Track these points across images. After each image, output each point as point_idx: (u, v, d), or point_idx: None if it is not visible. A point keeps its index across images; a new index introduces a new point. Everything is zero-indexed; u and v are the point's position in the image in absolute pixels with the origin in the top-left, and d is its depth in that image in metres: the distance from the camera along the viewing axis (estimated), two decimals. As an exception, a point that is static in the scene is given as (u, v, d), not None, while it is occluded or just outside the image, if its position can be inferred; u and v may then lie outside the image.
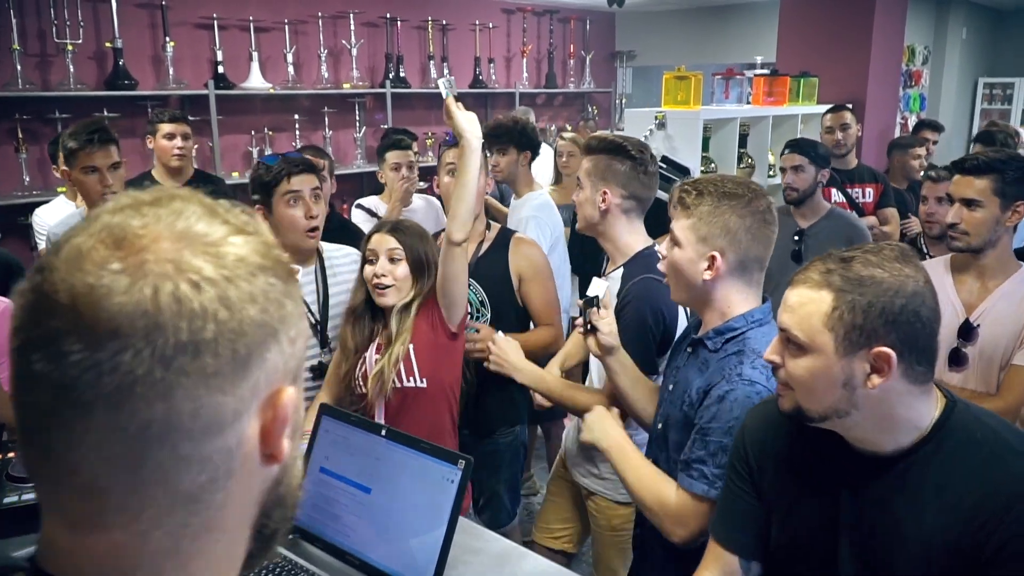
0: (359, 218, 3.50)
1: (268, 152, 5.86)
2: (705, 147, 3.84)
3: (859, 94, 5.05)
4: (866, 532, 1.23)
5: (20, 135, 4.84)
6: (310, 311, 2.33)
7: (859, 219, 3.52)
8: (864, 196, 4.11)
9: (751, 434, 1.41)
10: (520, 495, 3.32)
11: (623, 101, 8.68)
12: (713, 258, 1.57)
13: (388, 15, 6.60)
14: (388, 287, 2.09)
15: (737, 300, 1.61)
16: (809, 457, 1.32)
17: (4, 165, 4.91)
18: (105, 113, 5.21)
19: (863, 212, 4.07)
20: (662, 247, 1.69)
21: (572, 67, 8.26)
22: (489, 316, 2.60)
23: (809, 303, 1.19)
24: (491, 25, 7.43)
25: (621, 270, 2.09)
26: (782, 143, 3.51)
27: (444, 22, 7.03)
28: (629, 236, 2.11)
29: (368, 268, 2.13)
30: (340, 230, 3.00)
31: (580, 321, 1.83)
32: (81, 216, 2.74)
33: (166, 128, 3.68)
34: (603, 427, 1.75)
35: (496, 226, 2.68)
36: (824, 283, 1.18)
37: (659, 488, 1.60)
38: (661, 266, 1.69)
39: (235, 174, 5.74)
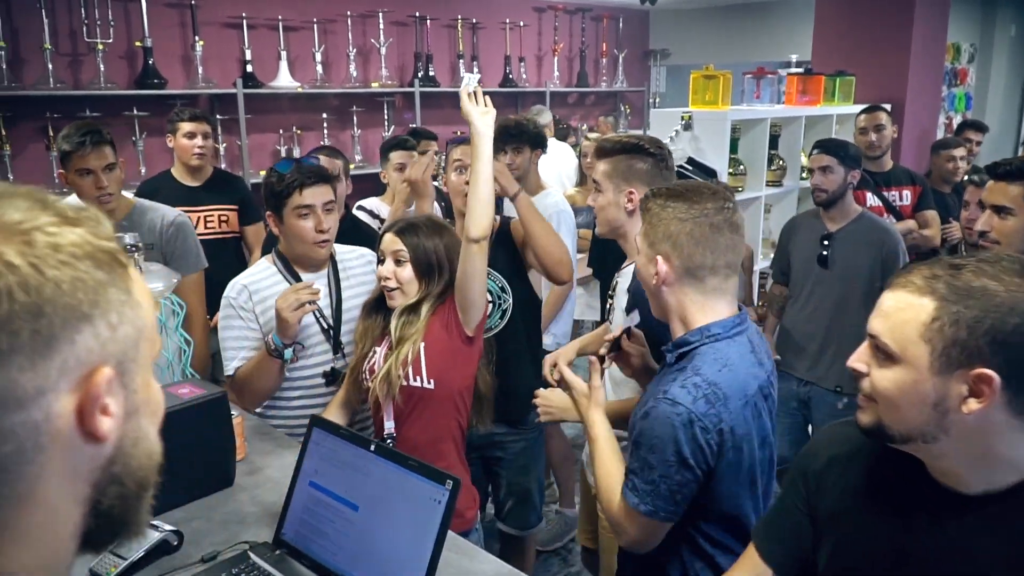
0: (361, 218, 3.43)
1: (296, 152, 5.85)
2: (734, 149, 3.73)
3: (898, 94, 4.89)
4: (940, 573, 1.12)
5: (51, 133, 4.88)
6: (322, 316, 2.27)
7: (891, 224, 3.38)
8: (901, 199, 3.96)
9: (816, 452, 1.31)
10: (545, 494, 3.27)
11: (656, 100, 8.55)
12: (658, 263, 1.53)
13: (417, 14, 6.56)
14: (393, 290, 2.05)
15: (693, 310, 1.54)
16: (881, 482, 1.20)
17: (35, 163, 4.95)
18: (135, 112, 5.25)
19: (901, 216, 3.92)
20: None
21: (604, 66, 8.15)
22: (511, 301, 2.57)
23: (906, 309, 1.06)
24: (522, 23, 7.35)
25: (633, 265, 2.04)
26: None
27: (474, 20, 6.97)
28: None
29: (379, 268, 2.10)
30: (353, 231, 2.95)
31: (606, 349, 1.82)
32: None
33: (186, 127, 3.66)
34: (592, 417, 1.72)
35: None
36: (927, 289, 1.04)
37: (613, 490, 1.58)
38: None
39: (262, 173, 5.72)
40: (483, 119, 2.01)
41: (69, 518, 0.61)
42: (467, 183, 2.14)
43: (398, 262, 2.05)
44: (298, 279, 2.26)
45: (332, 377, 2.25)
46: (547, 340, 3.37)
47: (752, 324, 1.62)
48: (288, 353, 2.10)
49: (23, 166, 4.90)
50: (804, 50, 5.62)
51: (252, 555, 1.55)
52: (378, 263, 2.12)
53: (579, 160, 4.46)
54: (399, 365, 1.98)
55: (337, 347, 2.28)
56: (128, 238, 2.07)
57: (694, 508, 1.52)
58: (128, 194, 3.41)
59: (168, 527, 1.61)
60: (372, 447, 1.48)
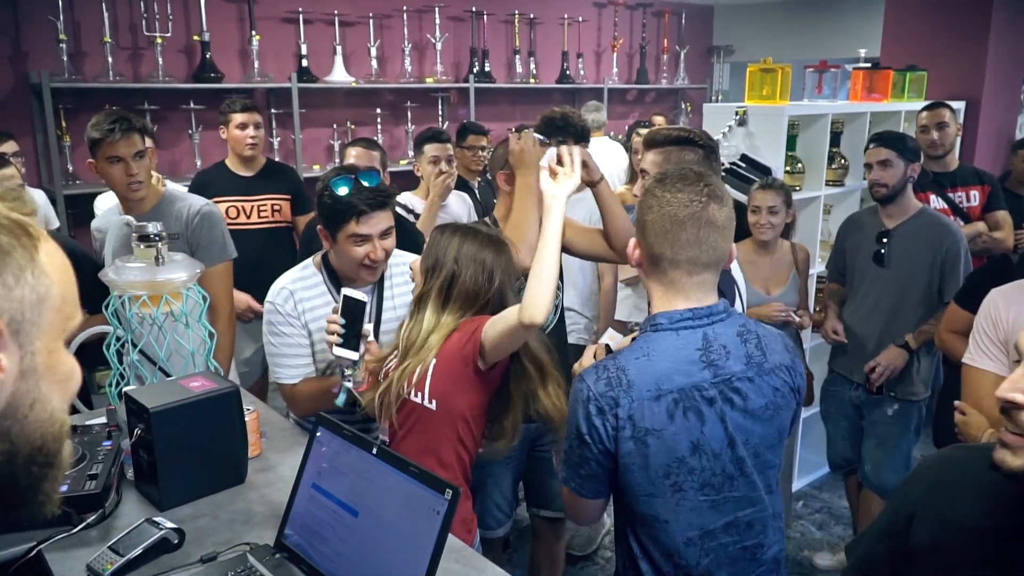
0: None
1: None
2: (791, 146, 3.55)
3: (974, 90, 4.62)
4: None
5: (109, 126, 4.95)
6: None
7: (952, 221, 3.17)
8: (969, 200, 3.72)
9: (921, 480, 1.17)
10: None
11: (719, 98, 8.32)
12: (635, 245, 1.56)
13: (474, 9, 6.51)
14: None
15: (657, 296, 1.54)
16: (983, 520, 1.06)
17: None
18: (191, 105, 5.31)
19: (969, 218, 3.69)
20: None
21: (665, 62, 7.97)
22: (562, 295, 2.57)
23: None
24: (581, 19, 7.23)
25: None
26: (882, 143, 3.19)
27: (532, 16, 6.88)
28: None
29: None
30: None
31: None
32: (118, 209, 2.72)
33: (238, 118, 3.68)
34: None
35: None
36: None
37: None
38: None
39: (316, 167, 5.76)
40: (560, 186, 1.84)
41: None
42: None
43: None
44: (339, 287, 2.13)
45: (354, 402, 2.10)
46: (584, 336, 3.28)
47: (731, 322, 1.53)
48: (342, 400, 2.01)
49: (82, 157, 4.99)
50: (873, 45, 5.37)
51: (251, 558, 1.49)
52: None
53: (630, 157, 4.33)
54: (403, 380, 1.85)
55: None
56: (151, 227, 2.04)
57: (618, 502, 1.58)
58: (179, 186, 3.45)
59: (169, 524, 1.56)
60: (374, 450, 1.40)
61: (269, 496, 1.75)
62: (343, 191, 2.02)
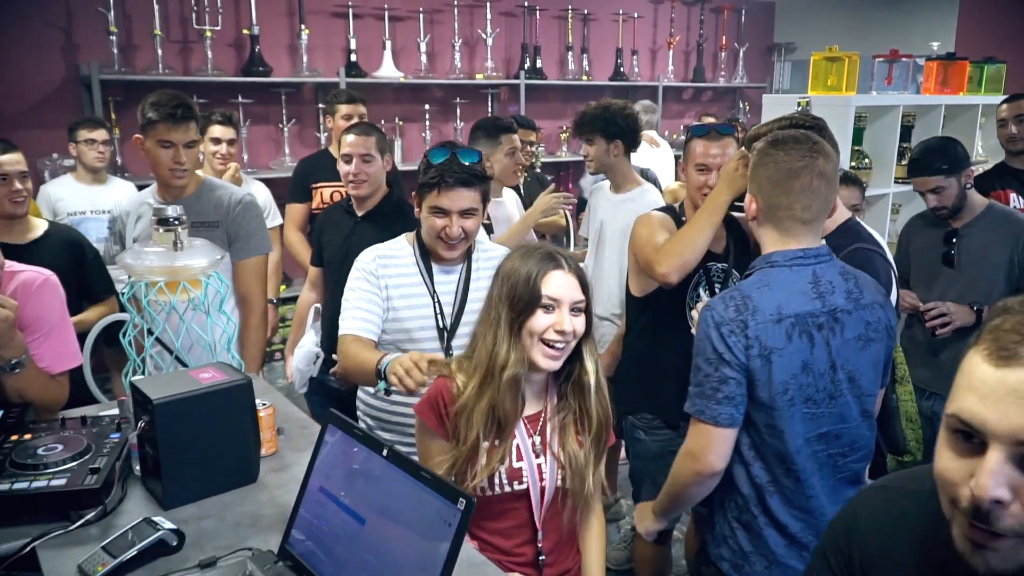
0: None
1: (397, 145, 5.75)
2: (858, 139, 3.33)
3: (1056, 84, 4.32)
4: None
5: (157, 119, 4.94)
6: (441, 314, 2.13)
7: (1022, 214, 2.92)
8: None
9: (863, 534, 1.03)
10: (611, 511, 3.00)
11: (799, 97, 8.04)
12: (751, 199, 1.77)
13: (526, 4, 6.37)
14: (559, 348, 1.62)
15: (771, 242, 1.75)
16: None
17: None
18: (240, 99, 5.28)
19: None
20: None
21: (723, 60, 7.72)
22: None
23: None
24: (636, 15, 7.04)
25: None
26: (957, 137, 2.95)
27: (585, 11, 6.71)
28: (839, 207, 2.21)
29: (544, 318, 1.60)
30: (396, 213, 2.78)
31: None
32: (152, 194, 2.64)
33: (344, 109, 3.88)
34: (643, 516, 2.01)
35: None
36: None
37: (674, 466, 1.80)
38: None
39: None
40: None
41: None
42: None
43: (573, 310, 1.62)
44: (429, 267, 2.17)
45: None
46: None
47: (834, 263, 1.77)
48: (382, 386, 1.92)
49: (131, 149, 4.99)
50: (947, 39, 5.08)
51: (251, 564, 1.35)
52: (531, 308, 1.60)
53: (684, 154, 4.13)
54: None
55: (448, 352, 2.13)
56: (170, 210, 1.93)
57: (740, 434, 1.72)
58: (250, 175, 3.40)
59: (168, 525, 1.44)
60: (384, 452, 1.26)
61: (280, 498, 1.63)
62: (437, 160, 2.06)
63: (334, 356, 2.40)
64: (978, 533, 0.79)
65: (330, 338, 2.57)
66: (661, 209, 2.47)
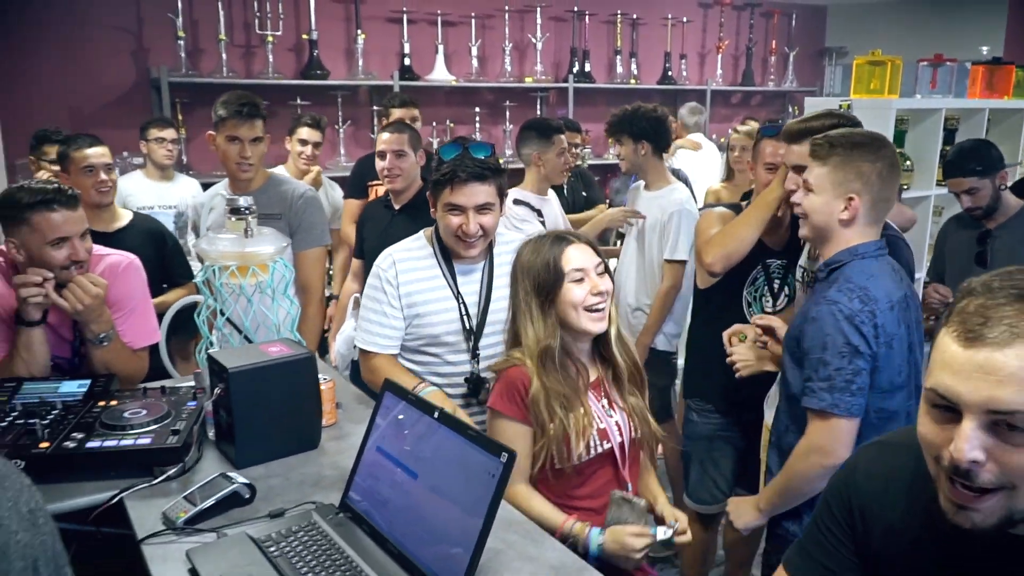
0: (521, 213, 3.33)
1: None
2: (900, 142, 3.38)
3: (1107, 89, 4.29)
4: None
5: (221, 120, 5.18)
6: (466, 315, 2.11)
7: None
8: None
9: (862, 486, 1.14)
10: None
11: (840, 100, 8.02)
12: (851, 199, 1.76)
13: (576, 9, 6.49)
14: (601, 309, 1.77)
15: (856, 236, 1.79)
16: (928, 532, 1.03)
17: (207, 147, 5.25)
18: (298, 101, 5.49)
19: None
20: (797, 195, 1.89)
21: (773, 64, 7.74)
22: None
23: None
24: (685, 20, 7.11)
25: None
26: (1002, 141, 3.01)
27: (634, 16, 6.81)
28: None
29: (578, 289, 1.75)
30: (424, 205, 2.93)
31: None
32: (224, 188, 2.83)
33: (397, 112, 3.99)
34: (743, 511, 1.98)
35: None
36: None
37: (799, 447, 1.79)
38: (797, 209, 1.88)
39: (413, 164, 5.85)
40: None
41: None
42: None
43: (599, 273, 1.81)
44: (452, 268, 2.13)
45: (475, 385, 2.09)
46: (658, 339, 3.20)
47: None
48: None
49: (196, 149, 5.24)
50: (997, 44, 5.07)
51: (316, 515, 1.51)
52: (559, 283, 1.75)
53: (726, 154, 4.22)
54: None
55: (475, 353, 2.11)
56: (242, 200, 2.10)
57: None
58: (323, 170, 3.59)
59: (242, 480, 1.60)
60: (436, 414, 1.40)
61: (340, 462, 1.78)
62: (449, 157, 2.04)
63: None
64: (959, 495, 0.90)
65: None
66: (728, 205, 2.58)
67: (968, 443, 0.86)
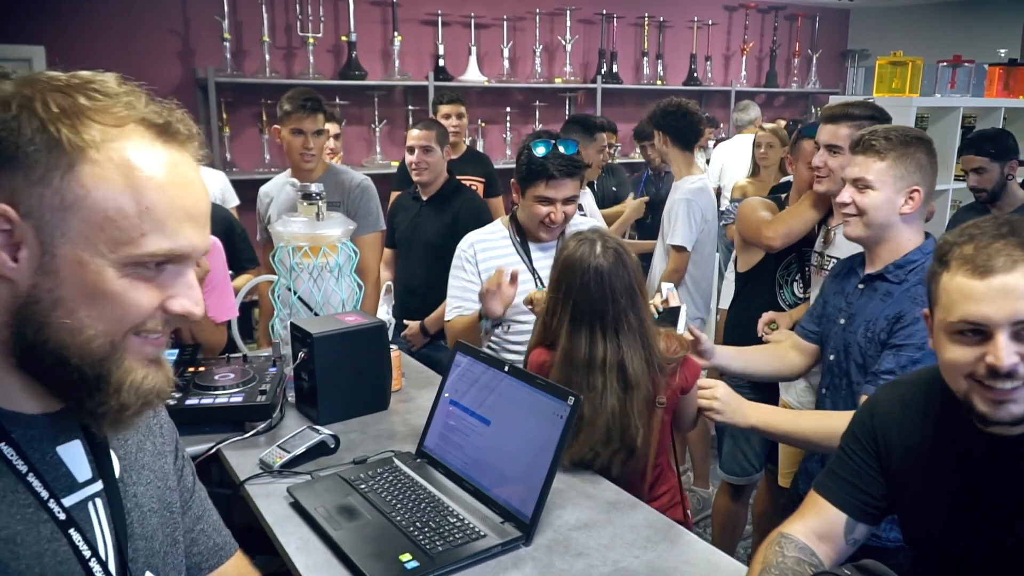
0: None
1: (480, 144, 6.12)
2: (920, 139, 3.54)
3: (1123, 90, 4.42)
4: (1009, 518, 1.17)
5: (264, 118, 5.41)
6: (542, 287, 2.25)
7: None
8: None
9: (883, 413, 1.34)
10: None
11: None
12: (915, 191, 1.80)
13: (604, 11, 6.67)
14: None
15: (910, 234, 1.84)
16: (939, 440, 1.25)
17: (249, 144, 5.50)
18: (337, 101, 5.70)
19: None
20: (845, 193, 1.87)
21: (796, 66, 7.89)
22: None
23: None
24: (710, 22, 7.28)
25: None
26: (1017, 139, 3.17)
27: (661, 19, 6.98)
28: None
29: None
30: (454, 195, 3.21)
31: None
32: (288, 180, 3.04)
33: (444, 109, 4.20)
34: (744, 411, 1.84)
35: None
36: None
37: (836, 420, 1.66)
38: (848, 209, 1.85)
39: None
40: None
41: None
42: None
43: None
44: (526, 247, 2.34)
45: None
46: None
47: None
48: (485, 325, 2.18)
49: (239, 147, 5.47)
50: (1015, 46, 5.21)
51: (396, 460, 1.71)
52: None
53: (753, 151, 4.39)
54: None
55: None
56: (314, 187, 2.31)
57: None
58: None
59: (327, 432, 1.80)
60: (506, 368, 1.59)
61: (410, 420, 1.98)
62: (540, 151, 2.20)
63: (405, 322, 2.89)
64: (1000, 393, 1.10)
65: (401, 307, 3.10)
66: (768, 197, 2.78)
67: (1005, 351, 1.08)
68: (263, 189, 3.13)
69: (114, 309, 0.73)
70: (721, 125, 7.02)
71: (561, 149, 2.22)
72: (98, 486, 0.82)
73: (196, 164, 0.80)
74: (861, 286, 1.91)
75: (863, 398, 1.74)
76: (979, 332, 1.11)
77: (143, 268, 0.74)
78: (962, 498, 1.22)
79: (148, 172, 0.73)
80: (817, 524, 1.33)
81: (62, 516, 0.76)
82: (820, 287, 2.19)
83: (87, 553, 0.77)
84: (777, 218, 2.53)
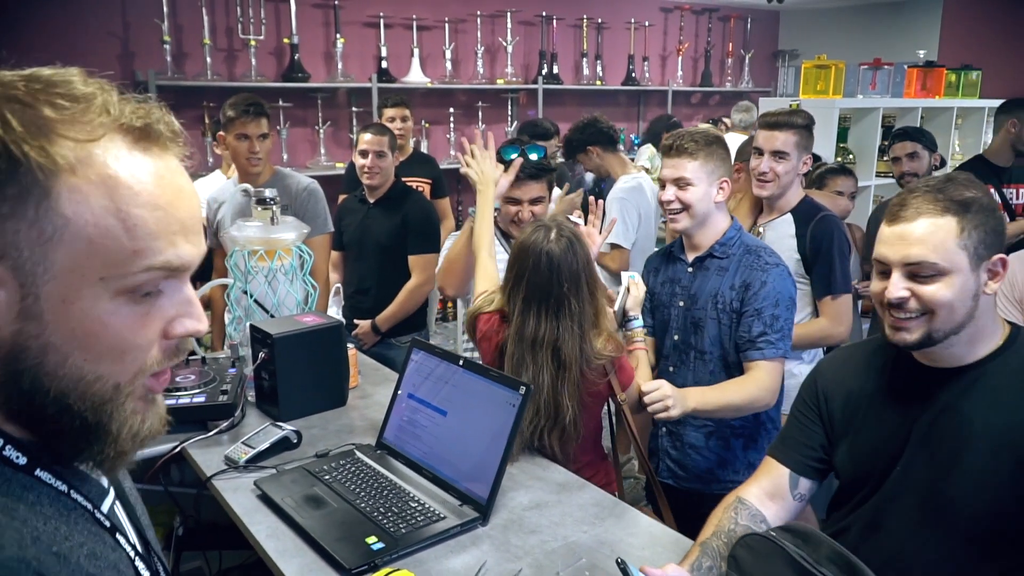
0: None
1: (424, 146, 6.20)
2: (843, 138, 3.75)
3: (1030, 89, 4.73)
4: (936, 437, 1.35)
5: (206, 121, 5.40)
6: None
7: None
8: (1018, 197, 3.86)
9: (825, 372, 1.56)
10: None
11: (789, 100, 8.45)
12: (724, 182, 2.07)
13: (544, 13, 6.80)
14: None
15: (721, 217, 2.11)
16: (881, 382, 1.45)
17: (192, 147, 5.46)
18: (280, 103, 5.72)
19: (1015, 215, 3.82)
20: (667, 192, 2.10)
21: (730, 66, 8.15)
22: None
23: (938, 230, 1.29)
24: (647, 23, 7.48)
25: (788, 215, 2.62)
26: (936, 137, 3.40)
27: (599, 20, 7.15)
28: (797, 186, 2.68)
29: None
30: (401, 198, 3.31)
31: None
32: (234, 184, 3.09)
33: (388, 112, 4.24)
34: (685, 399, 1.91)
35: None
36: (944, 210, 1.29)
37: (748, 385, 2.00)
38: (673, 205, 2.08)
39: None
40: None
41: None
42: None
43: None
44: (510, 241, 2.40)
45: None
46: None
47: None
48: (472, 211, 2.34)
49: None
50: (934, 47, 5.50)
51: (357, 452, 1.80)
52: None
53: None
54: None
55: None
56: (268, 192, 2.38)
57: None
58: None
59: (290, 427, 1.89)
60: (460, 362, 1.70)
61: (368, 414, 2.07)
62: (510, 158, 2.35)
63: (356, 321, 3.09)
64: (895, 321, 1.34)
65: (353, 307, 3.24)
66: None
67: (894, 286, 1.32)
68: (211, 195, 3.17)
69: (112, 348, 0.66)
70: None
71: (533, 157, 2.37)
72: (111, 489, 0.80)
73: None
74: (691, 269, 2.15)
75: (753, 364, 2.01)
76: (885, 271, 1.35)
77: (137, 294, 0.67)
78: (901, 427, 1.40)
79: (134, 186, 0.65)
80: (767, 484, 1.51)
81: (107, 524, 0.73)
82: None
83: (132, 554, 0.76)
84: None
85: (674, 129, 3.52)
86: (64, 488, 0.69)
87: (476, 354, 2.14)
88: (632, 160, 4.14)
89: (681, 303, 2.16)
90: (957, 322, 1.31)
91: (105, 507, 0.76)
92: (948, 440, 1.34)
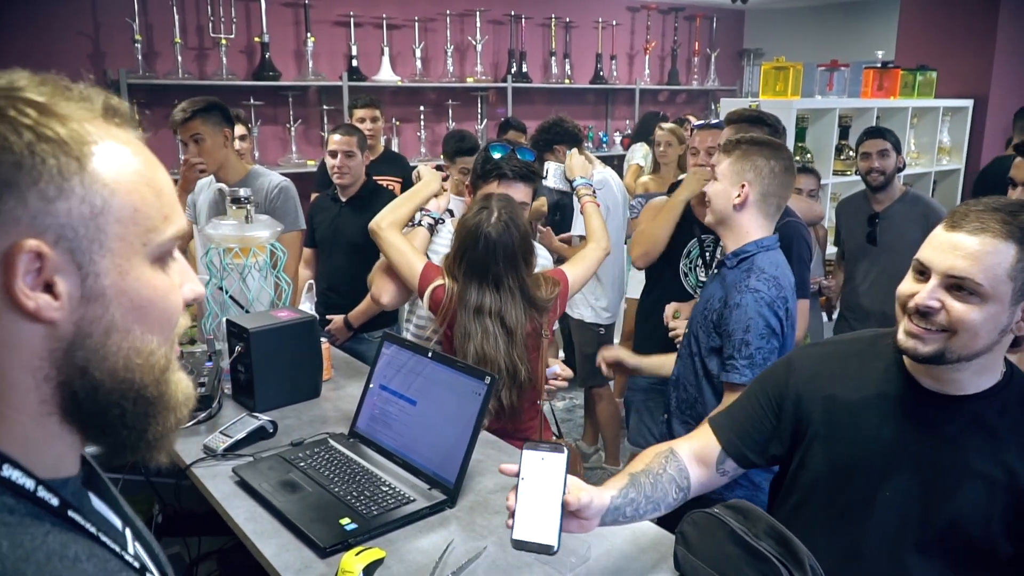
0: None
1: (395, 144, 6.26)
2: (801, 137, 3.88)
3: (982, 89, 4.90)
4: (933, 467, 1.32)
5: (178, 119, 5.42)
6: None
7: (932, 200, 3.55)
8: None
9: (799, 371, 1.50)
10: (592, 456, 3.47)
11: (749, 100, 8.62)
12: (743, 186, 1.97)
13: (513, 12, 6.89)
14: None
15: (753, 228, 2.00)
16: (871, 397, 1.40)
17: (163, 146, 5.50)
18: (251, 101, 5.76)
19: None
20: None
21: (696, 65, 8.29)
22: None
23: (995, 253, 1.21)
24: (614, 23, 7.59)
25: None
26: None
27: (568, 19, 7.25)
28: None
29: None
30: (372, 197, 3.38)
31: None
32: (217, 185, 3.15)
33: (359, 112, 4.32)
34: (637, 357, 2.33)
35: None
36: (1008, 235, 1.21)
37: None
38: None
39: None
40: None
41: (28, 390, 0.61)
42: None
43: None
44: None
45: None
46: (587, 312, 3.65)
47: None
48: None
49: (153, 148, 5.35)
50: (891, 48, 5.67)
51: (331, 441, 1.88)
52: None
53: (652, 151, 4.68)
54: None
55: None
56: (242, 191, 2.45)
57: None
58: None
59: (266, 418, 1.96)
60: (429, 354, 1.79)
61: (340, 406, 2.16)
62: (497, 155, 2.29)
63: (328, 317, 3.14)
64: (915, 328, 1.27)
65: (325, 303, 3.30)
66: (668, 193, 3.01)
67: (928, 293, 1.26)
68: (191, 196, 3.22)
69: (161, 312, 0.65)
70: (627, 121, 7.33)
71: (517, 156, 2.34)
72: (126, 529, 0.75)
73: None
74: (715, 271, 2.14)
75: (728, 396, 1.92)
76: (924, 273, 1.29)
77: (165, 260, 0.67)
78: (893, 448, 1.36)
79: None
80: (699, 448, 1.51)
81: (136, 564, 0.68)
82: None
83: None
84: (636, 240, 2.82)
85: (566, 125, 3.68)
86: (93, 531, 0.65)
87: (423, 335, 2.28)
88: (597, 159, 4.24)
89: (697, 298, 2.28)
90: (974, 350, 1.25)
91: (131, 548, 0.72)
92: (947, 472, 1.31)
